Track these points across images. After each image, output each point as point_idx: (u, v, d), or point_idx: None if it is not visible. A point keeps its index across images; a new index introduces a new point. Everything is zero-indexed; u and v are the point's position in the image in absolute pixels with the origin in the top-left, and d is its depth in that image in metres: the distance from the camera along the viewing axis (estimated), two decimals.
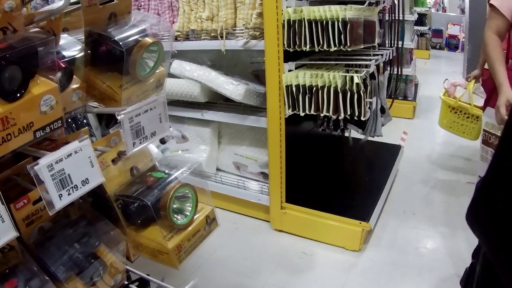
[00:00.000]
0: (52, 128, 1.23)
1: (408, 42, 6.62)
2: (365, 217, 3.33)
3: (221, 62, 3.90)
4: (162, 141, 4.12)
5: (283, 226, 3.62)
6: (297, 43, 2.98)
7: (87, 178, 1.27)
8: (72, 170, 1.22)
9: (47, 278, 1.28)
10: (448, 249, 3.45)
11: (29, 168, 1.15)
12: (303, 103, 3.06)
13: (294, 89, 3.05)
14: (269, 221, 3.73)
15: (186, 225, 1.62)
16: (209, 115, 3.68)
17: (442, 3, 17.57)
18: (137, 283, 1.80)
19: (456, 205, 4.18)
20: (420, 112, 7.25)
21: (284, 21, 2.98)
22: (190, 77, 3.55)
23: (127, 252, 1.61)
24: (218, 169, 4.15)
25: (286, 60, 3.14)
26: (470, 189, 4.41)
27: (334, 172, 4.22)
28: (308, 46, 2.96)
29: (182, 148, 4.04)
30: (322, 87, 2.95)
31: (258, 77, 3.68)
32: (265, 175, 3.73)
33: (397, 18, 4.33)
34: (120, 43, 1.35)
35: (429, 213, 4.03)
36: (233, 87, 3.34)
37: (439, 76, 10.66)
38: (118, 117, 1.40)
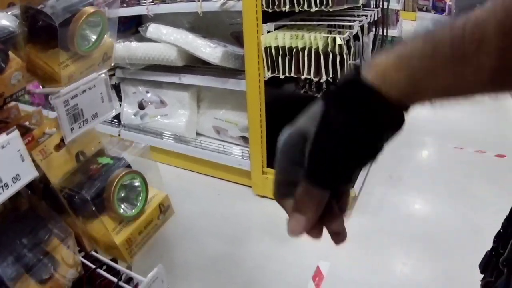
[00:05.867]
0: None
1: (394, 4, 6.51)
2: None
3: (201, 25, 3.79)
4: (141, 107, 4.05)
5: (266, 191, 3.56)
6: (276, 3, 2.87)
7: (18, 175, 1.13)
8: (1, 167, 1.09)
9: None
10: (437, 216, 3.42)
11: None
12: (283, 65, 2.96)
13: (273, 51, 2.94)
14: (251, 186, 3.68)
15: (136, 216, 1.48)
16: (187, 79, 3.58)
17: None
18: (105, 267, 1.68)
19: (444, 170, 4.14)
20: None
21: None
22: (167, 41, 3.45)
23: (83, 244, 1.49)
24: (198, 134, 4.06)
25: (265, 21, 3.03)
26: (457, 154, 4.40)
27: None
28: (287, 6, 2.85)
29: (161, 114, 3.96)
30: (303, 49, 2.85)
31: (238, 38, 3.59)
32: (245, 139, 3.66)
33: None
34: (52, 16, 1.19)
35: (416, 179, 3.98)
36: (210, 50, 3.24)
37: None
38: (51, 101, 1.26)
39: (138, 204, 1.49)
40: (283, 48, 2.91)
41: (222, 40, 3.52)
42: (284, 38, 2.89)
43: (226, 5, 3.10)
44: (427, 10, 15.98)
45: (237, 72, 3.38)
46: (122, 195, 1.47)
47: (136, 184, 1.49)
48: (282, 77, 3.00)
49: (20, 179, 1.12)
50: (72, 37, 1.25)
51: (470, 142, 4.64)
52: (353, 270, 2.85)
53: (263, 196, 3.60)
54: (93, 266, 1.56)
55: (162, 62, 3.52)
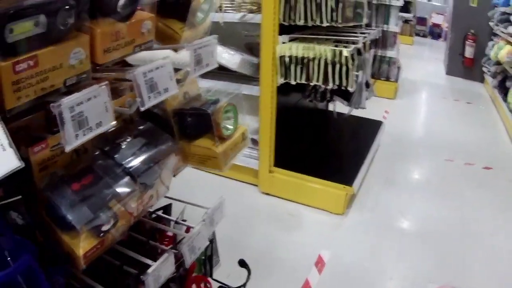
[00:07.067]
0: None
1: (393, 26, 6.84)
2: (349, 181, 3.59)
3: (217, 35, 4.07)
4: (179, 82, 4.34)
5: (271, 189, 3.87)
6: (292, 18, 3.23)
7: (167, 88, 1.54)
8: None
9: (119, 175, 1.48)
10: (429, 215, 3.77)
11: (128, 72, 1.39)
12: (295, 72, 3.31)
13: (287, 59, 3.29)
14: (257, 185, 3.97)
15: (229, 136, 1.93)
16: (204, 83, 3.82)
17: None
18: (161, 211, 2.20)
19: (436, 178, 4.53)
20: (402, 93, 7.53)
21: None
22: None
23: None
24: None
25: (280, 33, 3.37)
26: (448, 165, 4.77)
27: (320, 141, 4.50)
28: (302, 21, 3.22)
29: None
30: (314, 59, 3.20)
31: (251, 49, 3.88)
32: (254, 141, 3.92)
33: (383, 2, 4.59)
34: None
35: (410, 184, 4.37)
36: (229, 57, 3.57)
37: (421, 61, 10.98)
38: (186, 48, 1.69)
39: (232, 127, 1.95)
40: (296, 57, 3.26)
41: (237, 49, 3.83)
42: (297, 49, 3.24)
43: (246, 17, 3.44)
44: (424, 36, 16.34)
45: (250, 78, 3.69)
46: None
47: (231, 113, 1.95)
48: (293, 83, 3.34)
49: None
50: (195, 11, 1.69)
51: (460, 155, 5.00)
52: (351, 259, 3.15)
53: (268, 194, 3.89)
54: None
55: (183, 66, 3.79)
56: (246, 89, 3.67)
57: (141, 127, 1.70)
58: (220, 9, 3.52)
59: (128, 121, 1.71)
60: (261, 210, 3.71)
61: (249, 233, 3.38)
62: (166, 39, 1.72)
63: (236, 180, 4.10)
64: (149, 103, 1.44)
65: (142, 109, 1.42)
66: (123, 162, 1.51)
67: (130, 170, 1.50)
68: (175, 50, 1.75)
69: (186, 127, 1.85)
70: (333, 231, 3.45)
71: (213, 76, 3.81)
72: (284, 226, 3.49)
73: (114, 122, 1.36)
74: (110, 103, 1.32)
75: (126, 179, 1.48)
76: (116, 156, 1.52)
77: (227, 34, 4.06)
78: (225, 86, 3.72)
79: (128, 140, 1.60)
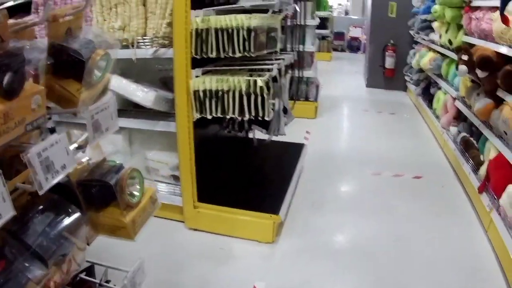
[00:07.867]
0: None
1: (309, 46, 6.93)
2: (275, 210, 3.57)
3: (131, 71, 3.99)
4: (81, 148, 4.21)
5: (198, 224, 3.79)
6: (204, 51, 3.19)
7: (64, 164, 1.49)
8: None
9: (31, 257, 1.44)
10: (361, 232, 3.80)
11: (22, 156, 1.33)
12: (210, 106, 3.27)
13: (201, 94, 3.25)
14: (183, 221, 3.87)
15: (137, 203, 1.90)
16: (121, 122, 3.72)
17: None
18: (84, 273, 2.11)
19: (364, 193, 4.57)
20: (323, 111, 7.63)
21: (192, 30, 3.19)
22: None
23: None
24: None
25: (193, 67, 3.32)
26: (375, 179, 4.84)
27: (242, 171, 4.45)
28: (214, 53, 3.19)
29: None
30: (228, 91, 3.17)
31: (166, 84, 3.81)
32: (176, 178, 3.87)
33: (298, 23, 4.62)
34: (81, 53, 1.55)
35: (338, 203, 4.37)
36: (143, 94, 3.48)
37: (341, 76, 11.16)
38: (82, 114, 1.66)
39: (138, 193, 1.93)
40: (210, 91, 3.22)
41: (151, 85, 3.74)
42: (211, 82, 3.21)
43: (158, 53, 3.37)
44: (342, 50, 16.71)
45: (166, 114, 3.61)
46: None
47: (137, 178, 1.94)
48: (209, 117, 3.30)
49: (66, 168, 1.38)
50: (91, 70, 1.60)
51: (387, 167, 5.10)
52: (287, 287, 3.12)
53: (195, 230, 3.80)
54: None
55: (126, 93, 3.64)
56: (163, 126, 3.61)
57: (47, 200, 1.64)
58: (132, 45, 3.44)
59: (34, 194, 1.61)
60: (190, 247, 3.61)
61: (181, 272, 3.28)
62: (64, 102, 1.63)
63: (162, 218, 3.96)
64: (47, 185, 1.38)
65: (41, 192, 1.36)
66: (33, 244, 1.46)
67: (40, 253, 1.46)
68: (74, 114, 1.68)
69: (91, 198, 1.80)
70: (266, 261, 3.40)
71: (129, 115, 3.72)
72: (216, 261, 3.42)
73: (13, 213, 1.30)
74: (6, 193, 1.27)
75: (37, 262, 1.44)
76: (24, 236, 1.47)
77: (141, 70, 3.98)
78: (141, 124, 3.66)
79: (36, 216, 1.55)
